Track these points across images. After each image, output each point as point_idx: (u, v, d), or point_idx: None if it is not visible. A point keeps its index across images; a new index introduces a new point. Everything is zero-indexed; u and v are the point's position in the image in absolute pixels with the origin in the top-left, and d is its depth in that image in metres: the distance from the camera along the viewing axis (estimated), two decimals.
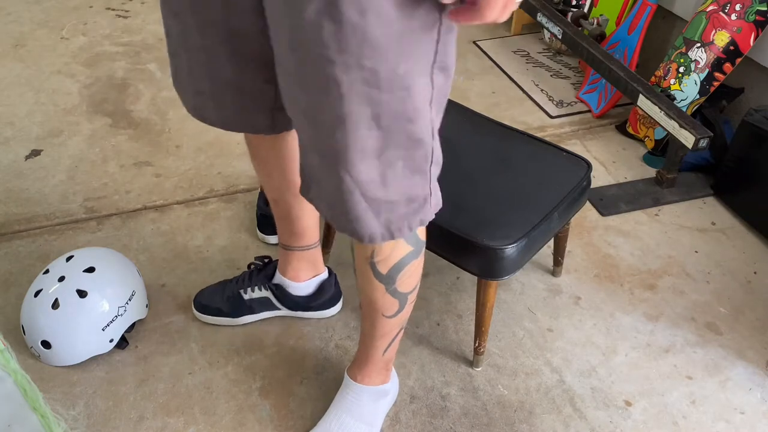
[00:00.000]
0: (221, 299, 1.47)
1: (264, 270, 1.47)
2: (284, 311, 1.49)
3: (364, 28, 0.75)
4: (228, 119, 1.08)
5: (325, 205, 0.95)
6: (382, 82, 0.79)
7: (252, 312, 1.47)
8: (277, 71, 0.88)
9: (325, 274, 1.47)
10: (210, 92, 1.04)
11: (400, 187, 0.89)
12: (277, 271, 1.45)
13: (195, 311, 1.48)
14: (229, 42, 0.97)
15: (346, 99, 0.80)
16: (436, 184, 0.97)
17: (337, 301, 1.51)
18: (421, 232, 1.04)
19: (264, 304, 1.47)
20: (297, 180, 1.22)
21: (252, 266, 1.49)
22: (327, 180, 0.90)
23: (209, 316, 1.48)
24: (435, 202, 0.97)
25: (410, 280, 1.08)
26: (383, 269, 1.04)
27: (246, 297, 1.46)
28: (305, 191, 0.98)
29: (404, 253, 1.03)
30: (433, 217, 0.98)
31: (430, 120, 0.87)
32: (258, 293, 1.46)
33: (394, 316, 1.13)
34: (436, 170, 0.94)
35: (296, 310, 1.48)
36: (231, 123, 1.09)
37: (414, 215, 0.94)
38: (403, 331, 1.20)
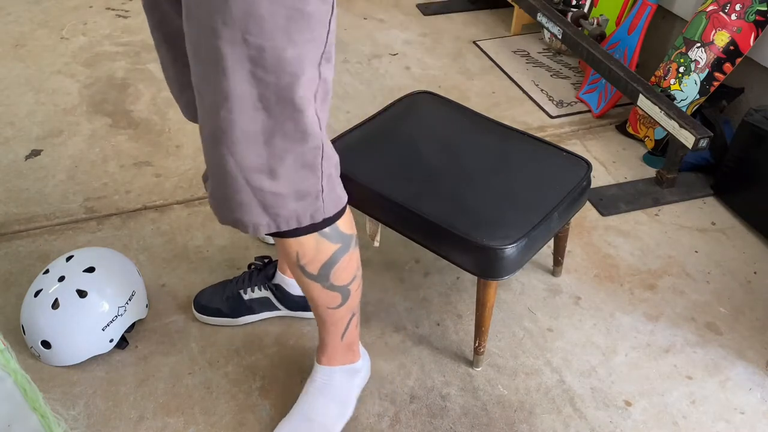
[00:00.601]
0: (221, 300, 1.46)
1: (264, 270, 1.47)
2: (284, 311, 1.49)
3: (250, 3, 0.74)
4: None
5: (211, 194, 0.93)
6: (267, 62, 0.78)
7: (252, 312, 1.47)
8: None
9: None
10: None
11: (290, 181, 0.88)
12: (277, 270, 1.45)
13: (195, 312, 1.48)
14: None
15: (230, 74, 0.79)
16: (335, 181, 0.95)
17: None
18: (345, 226, 1.01)
19: (264, 305, 1.47)
20: None
21: (252, 266, 1.49)
22: (212, 163, 0.88)
23: (209, 317, 1.47)
24: (332, 198, 0.96)
25: (345, 273, 1.06)
26: (313, 270, 1.02)
27: (246, 297, 1.46)
28: (206, 179, 0.96)
29: (331, 252, 1.01)
30: (331, 215, 0.97)
31: (315, 112, 0.86)
32: (258, 293, 1.46)
33: (340, 306, 1.11)
34: (329, 166, 0.93)
35: (296, 310, 1.48)
36: None
37: (304, 211, 0.93)
38: (357, 315, 1.19)
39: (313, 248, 0.99)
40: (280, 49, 0.78)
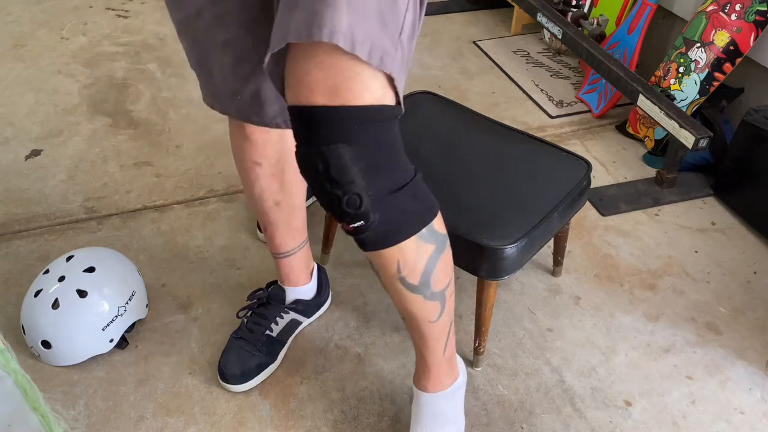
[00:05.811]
0: (251, 354, 1.36)
1: (270, 300, 1.40)
2: (306, 322, 1.46)
3: None
4: (276, 110, 1.08)
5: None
6: None
7: (284, 344, 1.41)
8: None
9: (313, 262, 1.46)
10: (253, 87, 1.03)
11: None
12: (287, 290, 1.40)
13: (232, 386, 1.34)
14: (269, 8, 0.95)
15: None
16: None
17: (328, 286, 1.51)
18: (439, 226, 0.98)
19: (290, 329, 1.42)
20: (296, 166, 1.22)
21: (255, 301, 1.41)
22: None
23: (255, 379, 1.36)
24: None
25: (443, 275, 1.01)
26: (414, 280, 0.97)
27: (275, 334, 1.39)
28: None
29: (428, 255, 0.96)
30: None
31: None
32: (283, 322, 1.40)
33: (440, 317, 1.06)
34: None
35: (314, 314, 1.47)
36: (276, 114, 1.08)
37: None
38: (453, 323, 1.13)
39: (413, 254, 0.94)
40: None
